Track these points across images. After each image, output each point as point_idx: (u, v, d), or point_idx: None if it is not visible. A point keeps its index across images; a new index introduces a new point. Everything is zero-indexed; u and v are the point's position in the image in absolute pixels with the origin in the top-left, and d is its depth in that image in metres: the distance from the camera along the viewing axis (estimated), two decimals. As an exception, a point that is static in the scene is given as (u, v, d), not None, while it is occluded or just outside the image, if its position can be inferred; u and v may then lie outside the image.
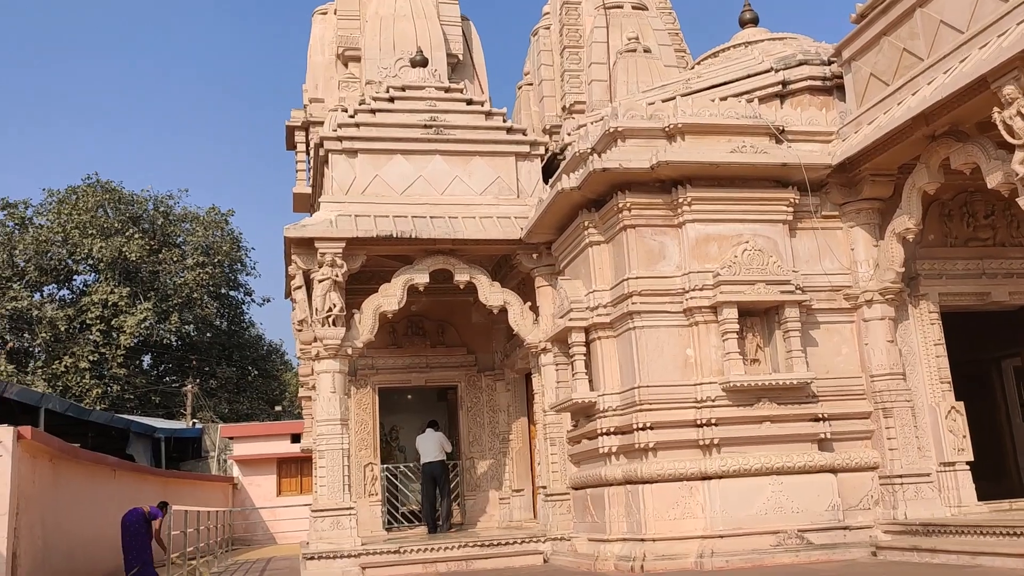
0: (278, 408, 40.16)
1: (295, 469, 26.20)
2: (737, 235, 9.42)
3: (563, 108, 14.52)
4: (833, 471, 9.09)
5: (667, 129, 9.56)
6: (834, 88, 10.45)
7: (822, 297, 9.53)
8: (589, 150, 9.99)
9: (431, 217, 11.53)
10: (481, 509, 14.06)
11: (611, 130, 9.55)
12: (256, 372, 41.42)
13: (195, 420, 32.31)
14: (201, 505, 21.93)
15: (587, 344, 9.99)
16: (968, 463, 9.26)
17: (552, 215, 10.42)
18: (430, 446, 13.11)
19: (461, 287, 11.78)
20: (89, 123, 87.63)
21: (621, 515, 9.36)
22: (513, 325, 11.66)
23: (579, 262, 10.40)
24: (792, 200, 9.54)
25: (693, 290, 9.21)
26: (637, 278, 9.27)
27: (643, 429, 8.96)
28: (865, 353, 9.49)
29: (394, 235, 11.07)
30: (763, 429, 9.02)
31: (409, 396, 15.42)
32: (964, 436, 9.28)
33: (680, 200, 9.34)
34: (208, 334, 38.82)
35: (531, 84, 15.78)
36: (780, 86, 10.54)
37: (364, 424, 13.76)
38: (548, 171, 12.52)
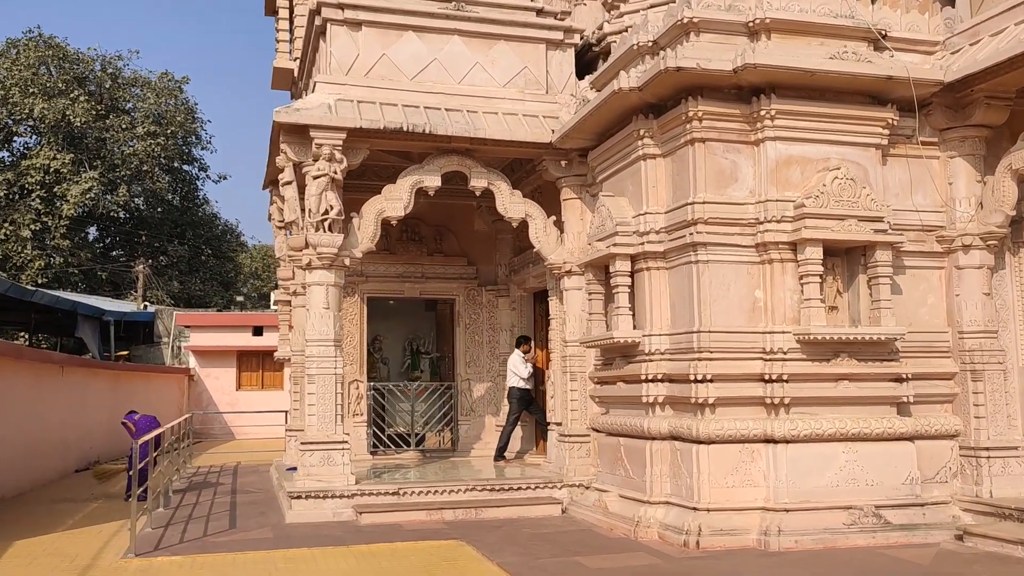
0: (240, 298, 38.40)
1: (255, 363, 24.83)
2: (823, 159, 7.93)
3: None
4: (912, 439, 7.94)
5: (750, 25, 7.89)
6: (937, -12, 8.83)
7: (910, 237, 8.17)
8: (650, 43, 8.30)
9: (446, 109, 9.79)
10: (475, 435, 12.85)
11: (683, 20, 7.85)
12: (210, 252, 39.39)
13: (146, 302, 30.47)
14: (156, 399, 20.57)
15: (631, 274, 8.55)
16: (1060, 435, 8.19)
17: (597, 118, 8.77)
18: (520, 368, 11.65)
19: (477, 193, 10.16)
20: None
21: (665, 475, 8.15)
22: (534, 241, 10.14)
23: (625, 177, 8.84)
24: (890, 121, 8.03)
25: (769, 221, 7.76)
26: (704, 203, 7.77)
27: (702, 381, 7.65)
28: (955, 305, 8.22)
29: (405, 128, 9.33)
30: (839, 389, 7.77)
31: (391, 302, 13.92)
32: (1060, 405, 8.18)
33: (762, 112, 7.78)
34: (159, 209, 36.56)
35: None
36: (874, -20, 8.85)
37: (351, 337, 12.28)
38: (578, 66, 10.77)
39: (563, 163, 10.03)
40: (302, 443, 9.41)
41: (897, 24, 8.32)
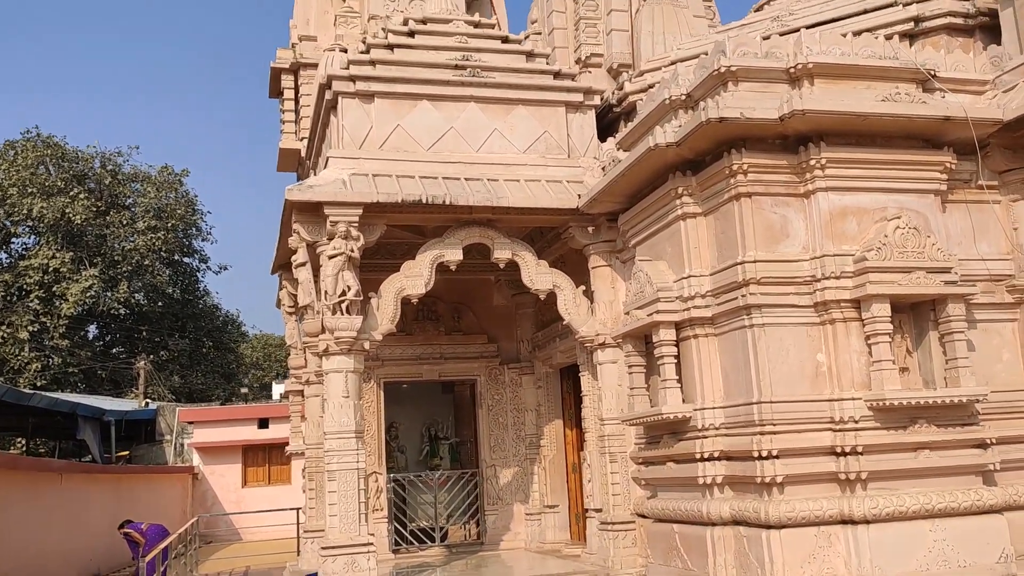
0: (244, 390, 37.56)
1: (261, 457, 23.87)
2: (880, 208, 7.35)
3: (577, 61, 12.24)
4: (1002, 511, 7.15)
5: (791, 71, 7.41)
6: (976, 28, 8.44)
7: (979, 289, 7.53)
8: (683, 96, 7.82)
9: (466, 179, 9.27)
10: (504, 526, 11.96)
11: (720, 70, 7.37)
12: (211, 344, 38.65)
13: (148, 399, 29.62)
14: (160, 502, 19.61)
15: (676, 343, 7.89)
16: None
17: (629, 179, 8.23)
18: None
19: (501, 265, 9.56)
20: (27, 71, 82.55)
21: (731, 564, 7.32)
22: (563, 313, 9.50)
23: (662, 240, 8.25)
24: (948, 165, 7.49)
25: (827, 278, 7.13)
26: (755, 261, 7.15)
27: (768, 458, 6.91)
28: (1033, 360, 7.55)
29: (424, 200, 8.79)
30: (920, 459, 7.02)
31: (404, 386, 13.19)
32: None
33: (811, 162, 7.23)
34: (160, 303, 35.93)
35: (539, 33, 13.41)
36: (911, 23, 8.51)
37: (368, 426, 11.49)
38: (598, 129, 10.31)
39: (590, 229, 9.47)
40: (323, 548, 8.57)
41: (942, 64, 7.85)
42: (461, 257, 9.30)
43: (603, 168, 9.11)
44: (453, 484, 12.16)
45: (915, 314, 7.31)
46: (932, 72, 7.62)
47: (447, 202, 8.87)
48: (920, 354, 7.30)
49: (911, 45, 8.39)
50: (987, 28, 8.23)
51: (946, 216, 7.60)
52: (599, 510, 9.42)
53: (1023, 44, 7.69)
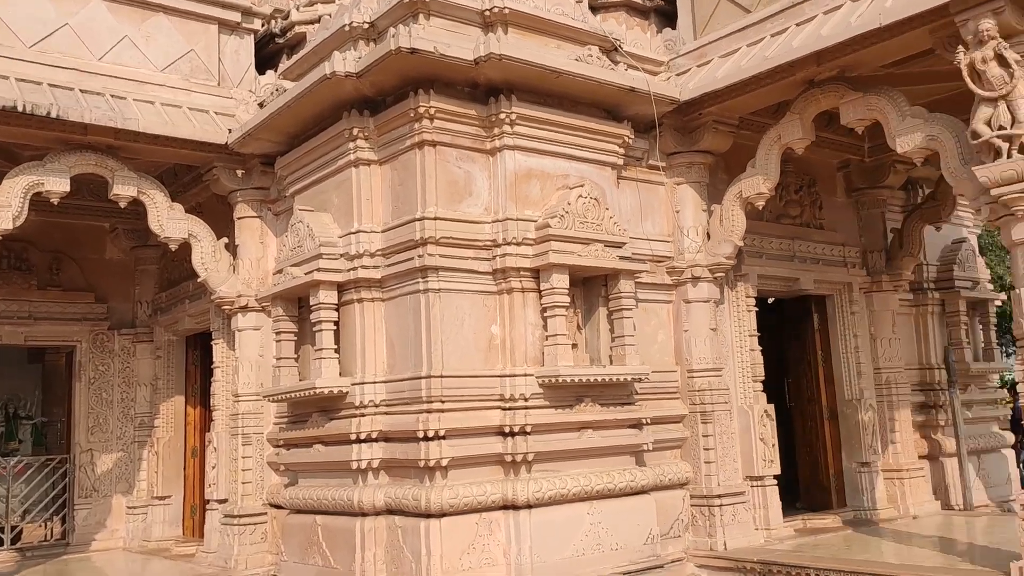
0: None
1: None
2: (563, 175, 6.99)
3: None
4: (650, 491, 7.13)
5: (486, 14, 6.75)
6: (652, 11, 8.49)
7: (643, 269, 7.49)
8: (367, 24, 6.82)
9: (82, 91, 7.37)
10: (99, 522, 9.96)
11: (410, -1, 6.49)
12: None
13: None
14: None
15: (337, 308, 6.86)
16: (775, 476, 7.93)
17: (295, 113, 7.04)
18: None
19: (122, 204, 7.76)
20: None
21: (380, 560, 6.46)
22: (199, 268, 7.99)
23: (329, 188, 7.17)
24: (627, 139, 7.34)
25: (509, 244, 6.58)
26: (436, 219, 6.38)
27: (434, 439, 6.16)
28: (684, 342, 7.67)
29: (20, 109, 6.79)
30: (583, 439, 6.73)
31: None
32: (773, 445, 7.92)
33: (501, 116, 6.63)
34: None
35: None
36: (594, -7, 8.27)
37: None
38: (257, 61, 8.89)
39: (240, 172, 8.08)
40: None
41: (624, 38, 7.71)
42: (68, 188, 7.39)
43: (261, 104, 7.79)
44: (35, 473, 9.91)
45: (587, 288, 7.03)
46: (618, 43, 7.43)
47: (54, 115, 6.94)
48: (588, 330, 7.04)
49: (597, 13, 8.19)
50: (662, 12, 8.31)
51: (619, 192, 7.45)
52: (223, 500, 8.07)
53: (697, 30, 7.79)
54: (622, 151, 7.34)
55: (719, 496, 7.38)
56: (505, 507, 6.36)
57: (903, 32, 6.13)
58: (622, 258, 6.90)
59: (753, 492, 7.76)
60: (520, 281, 6.58)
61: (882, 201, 9.45)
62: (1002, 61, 5.56)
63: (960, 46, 5.72)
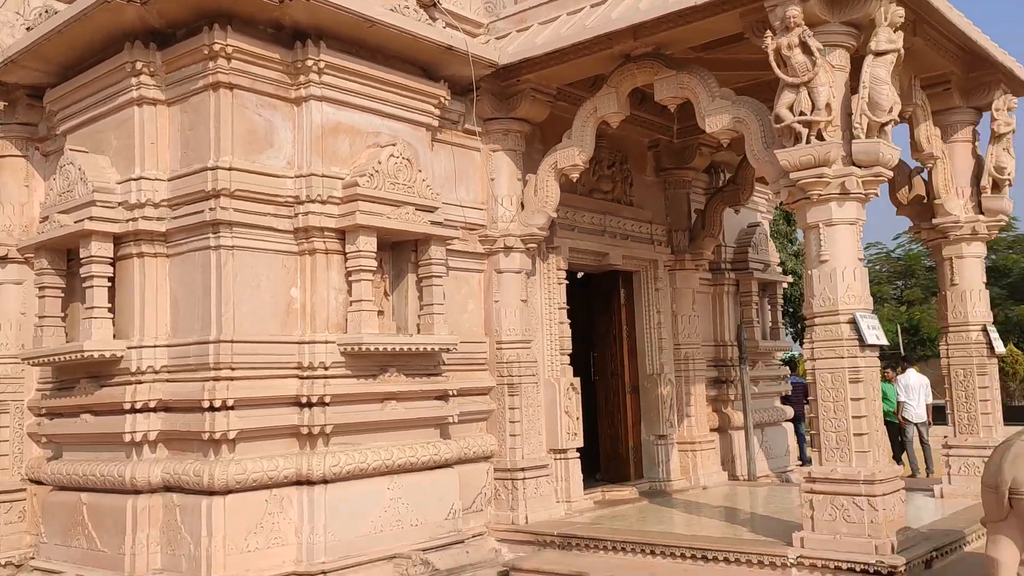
0: None
1: None
2: (374, 132, 6.59)
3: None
4: (454, 465, 6.93)
5: (298, -50, 6.19)
6: (474, -29, 8.19)
7: (456, 236, 7.23)
8: (156, -53, 6.07)
9: None
10: None
11: (209, -77, 5.83)
12: None
13: None
14: None
15: (113, 262, 6.13)
16: (578, 449, 7.96)
17: (68, 40, 6.19)
18: None
19: None
20: None
21: (155, 542, 5.86)
22: (-54, 212, 6.94)
23: (107, 128, 6.37)
24: (443, 100, 7.02)
25: (313, 201, 6.12)
26: (231, 169, 5.81)
27: (221, 409, 5.63)
28: (494, 312, 7.49)
29: None
30: (387, 411, 6.41)
31: None
32: (578, 418, 7.94)
33: (308, 63, 6.13)
34: None
35: None
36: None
37: None
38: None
39: (1, 105, 7.06)
40: None
41: (440, -4, 7.37)
42: None
43: (29, 28, 6.82)
44: None
45: (395, 253, 6.69)
46: (438, -1, 7.08)
47: None
48: (396, 297, 6.71)
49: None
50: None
51: (433, 155, 7.13)
52: (-27, 477, 7.11)
53: (520, -5, 7.59)
54: (438, 112, 7.02)
55: (523, 469, 7.29)
56: (299, 483, 5.97)
57: (716, 13, 6.20)
58: (434, 223, 6.61)
59: (556, 465, 7.75)
60: (324, 242, 6.15)
61: (687, 182, 9.69)
62: (806, 49, 5.70)
63: (768, 31, 5.81)
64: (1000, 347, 7.99)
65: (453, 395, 6.94)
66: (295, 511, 5.92)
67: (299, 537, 5.91)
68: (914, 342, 30.17)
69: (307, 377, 6.00)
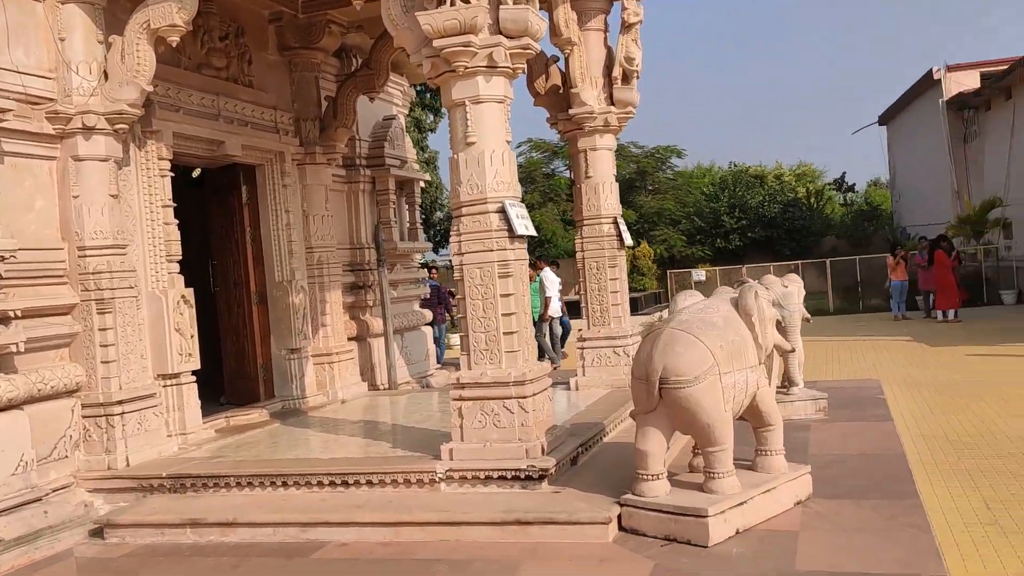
0: None
1: None
2: None
3: None
4: (24, 405, 5.41)
5: None
6: None
7: (9, 109, 5.50)
8: None
9: None
10: None
11: None
12: None
13: None
14: None
15: None
16: (194, 372, 6.75)
17: None
18: None
19: None
20: None
21: None
22: None
23: None
24: (-22, -79, 5.18)
25: None
26: None
27: None
28: (74, 211, 5.91)
29: None
30: (-89, 343, 4.72)
31: None
32: (193, 336, 6.71)
33: None
34: None
35: None
36: None
37: None
38: None
39: None
40: None
41: None
42: None
43: None
44: None
45: (-85, 130, 4.87)
46: None
47: None
48: (-80, 190, 4.92)
49: None
50: None
51: (-30, -1, 5.30)
52: None
53: None
54: (-29, -64, 5.18)
55: (120, 403, 5.96)
56: None
57: None
58: (-32, 86, 4.88)
59: (167, 393, 6.51)
60: None
61: (316, 65, 8.60)
62: None
63: None
64: (628, 239, 8.12)
65: (16, 317, 5.36)
66: None
67: None
68: (534, 243, 32.10)
69: None
